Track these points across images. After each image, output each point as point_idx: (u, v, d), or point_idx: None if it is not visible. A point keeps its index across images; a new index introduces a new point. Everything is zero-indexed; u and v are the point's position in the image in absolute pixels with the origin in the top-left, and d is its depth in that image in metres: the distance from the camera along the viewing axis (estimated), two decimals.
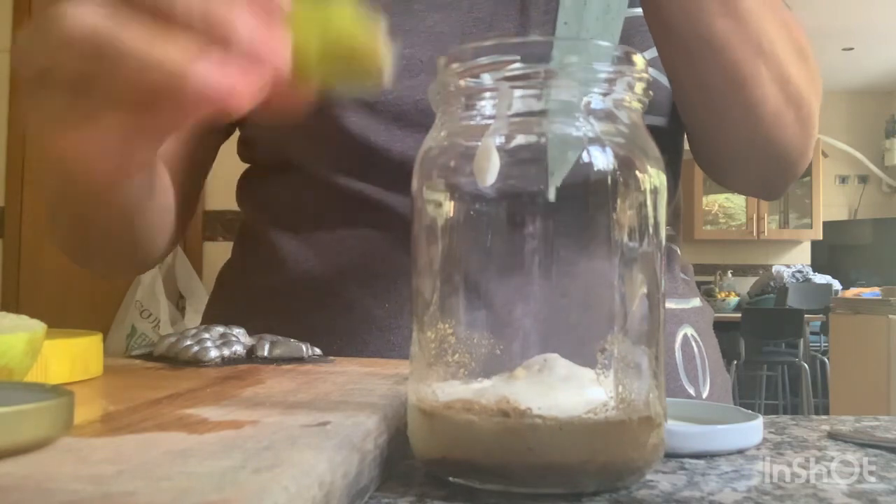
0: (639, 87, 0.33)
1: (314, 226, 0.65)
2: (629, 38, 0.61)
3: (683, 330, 0.66)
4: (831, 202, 5.55)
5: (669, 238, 0.71)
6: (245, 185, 0.73)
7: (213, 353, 0.48)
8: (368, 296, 0.61)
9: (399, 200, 0.61)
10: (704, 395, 0.63)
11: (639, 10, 0.62)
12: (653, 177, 0.32)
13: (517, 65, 0.31)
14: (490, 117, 0.32)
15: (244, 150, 0.73)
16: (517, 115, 0.32)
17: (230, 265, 0.72)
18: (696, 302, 0.72)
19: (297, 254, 0.64)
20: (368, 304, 0.61)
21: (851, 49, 4.82)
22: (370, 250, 0.62)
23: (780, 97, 0.57)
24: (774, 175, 0.66)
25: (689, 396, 0.63)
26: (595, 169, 0.31)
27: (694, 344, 0.67)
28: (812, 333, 4.64)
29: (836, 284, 4.80)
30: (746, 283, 5.33)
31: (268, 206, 0.69)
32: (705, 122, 0.62)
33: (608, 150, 0.31)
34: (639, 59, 0.32)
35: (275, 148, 0.67)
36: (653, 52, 0.60)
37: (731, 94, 0.57)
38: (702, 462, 0.36)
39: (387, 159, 0.61)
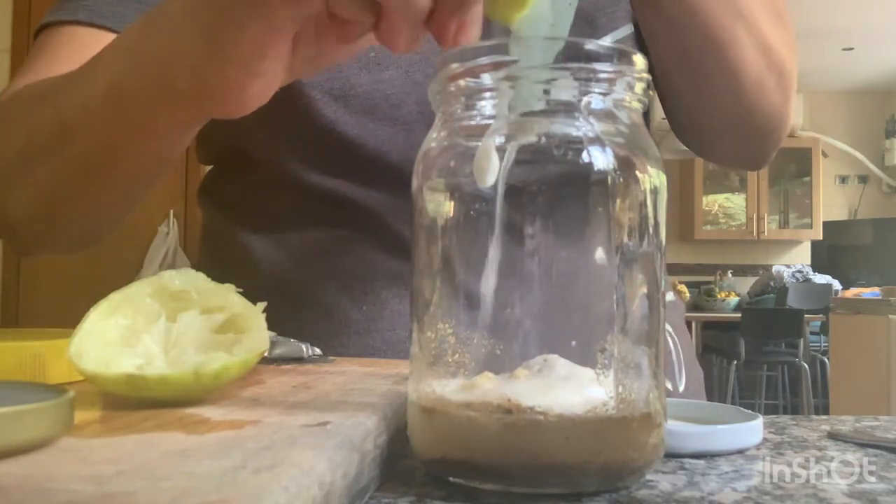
0: (639, 87, 0.33)
1: (286, 226, 0.63)
2: (594, 20, 0.61)
3: None
4: (831, 202, 5.54)
5: None
6: (209, 187, 0.70)
7: None
8: (346, 299, 0.60)
9: (375, 199, 0.60)
10: (681, 388, 0.63)
11: None
12: (653, 177, 0.32)
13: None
14: (490, 117, 0.32)
15: (202, 151, 0.70)
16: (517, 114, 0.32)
17: (199, 267, 0.70)
18: (670, 296, 0.72)
19: (269, 256, 0.63)
20: (346, 307, 0.60)
21: (851, 49, 4.81)
22: (346, 252, 0.61)
23: (761, 63, 0.58)
24: (758, 144, 0.66)
25: (666, 392, 0.63)
26: (595, 169, 0.31)
27: (670, 339, 0.67)
28: (812, 333, 4.64)
29: (836, 284, 4.80)
30: (746, 283, 5.33)
31: (235, 207, 0.67)
32: (688, 91, 0.62)
33: (608, 150, 0.31)
34: (639, 60, 0.32)
35: (239, 146, 0.65)
36: (617, 35, 0.60)
37: (711, 59, 0.57)
38: (702, 462, 0.36)
39: (360, 154, 0.59)
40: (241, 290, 0.38)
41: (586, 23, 0.60)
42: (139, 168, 0.49)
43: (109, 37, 0.56)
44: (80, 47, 0.56)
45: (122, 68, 0.41)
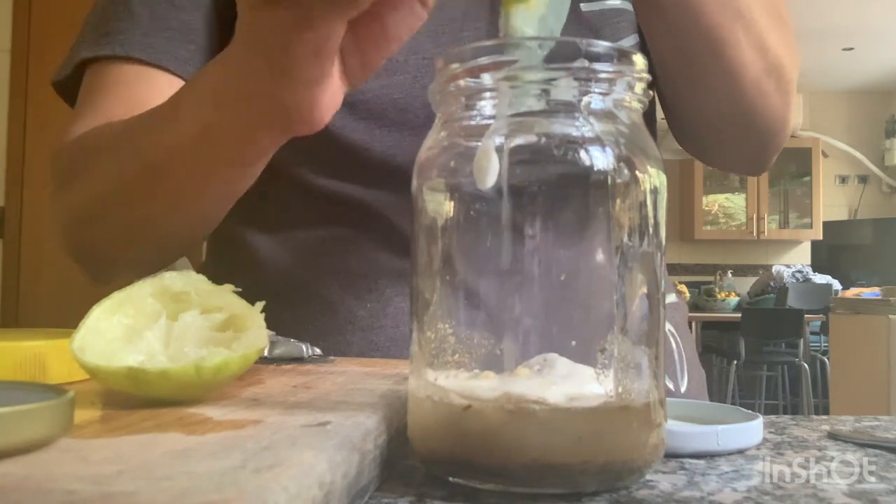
0: (639, 87, 0.33)
1: (290, 226, 0.64)
2: (599, 30, 0.61)
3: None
4: (831, 202, 5.55)
5: None
6: None
7: None
8: (350, 296, 0.61)
9: (380, 199, 0.61)
10: (683, 389, 0.63)
11: (611, 3, 0.62)
12: (653, 177, 0.32)
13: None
14: (490, 117, 0.32)
15: None
16: (517, 115, 0.32)
17: (205, 268, 0.71)
18: (673, 297, 0.72)
19: (274, 255, 0.64)
20: (350, 304, 0.61)
21: (851, 49, 4.81)
22: (350, 250, 0.62)
23: (760, 65, 0.58)
24: (758, 147, 0.66)
25: (667, 391, 0.63)
26: (595, 169, 0.31)
27: (672, 339, 0.67)
28: (812, 333, 4.64)
29: (836, 284, 4.80)
30: (746, 283, 5.33)
31: (241, 207, 0.67)
32: (688, 93, 0.62)
33: (608, 150, 0.31)
34: (639, 59, 0.32)
35: None
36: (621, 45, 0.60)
37: (710, 60, 0.57)
38: (702, 462, 0.36)
39: (367, 158, 0.60)
40: (244, 289, 0.39)
41: (591, 33, 0.61)
42: (224, 196, 0.52)
43: (148, 70, 0.59)
44: (127, 85, 0.59)
45: (211, 112, 0.44)
